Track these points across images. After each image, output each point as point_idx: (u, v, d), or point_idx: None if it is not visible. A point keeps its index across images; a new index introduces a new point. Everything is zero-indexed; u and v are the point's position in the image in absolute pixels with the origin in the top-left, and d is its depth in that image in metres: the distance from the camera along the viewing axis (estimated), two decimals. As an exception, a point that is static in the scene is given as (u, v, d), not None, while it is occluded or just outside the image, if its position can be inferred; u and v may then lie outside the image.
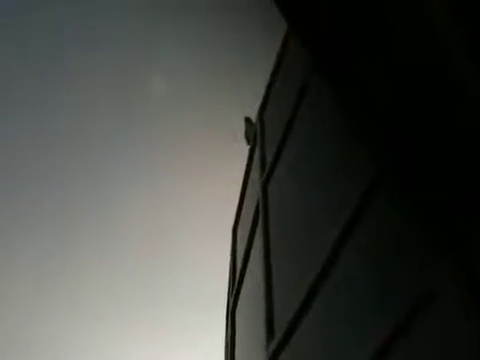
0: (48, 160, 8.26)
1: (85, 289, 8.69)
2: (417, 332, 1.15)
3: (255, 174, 3.38)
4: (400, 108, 1.47)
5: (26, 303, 8.61)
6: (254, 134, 3.80)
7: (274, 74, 3.36)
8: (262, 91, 3.70)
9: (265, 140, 3.26)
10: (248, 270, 3.04)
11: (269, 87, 3.46)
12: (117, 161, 8.34)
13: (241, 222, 3.90)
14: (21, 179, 8.25)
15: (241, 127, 4.87)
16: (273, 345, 2.03)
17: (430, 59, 1.35)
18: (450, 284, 1.09)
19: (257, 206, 2.96)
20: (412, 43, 1.45)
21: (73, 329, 8.73)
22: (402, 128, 1.43)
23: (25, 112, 7.88)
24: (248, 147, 4.13)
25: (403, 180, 1.36)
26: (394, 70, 1.56)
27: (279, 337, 1.98)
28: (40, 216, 8.44)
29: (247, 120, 4.82)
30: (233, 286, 3.38)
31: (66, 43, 7.40)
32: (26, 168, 8.22)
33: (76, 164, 8.32)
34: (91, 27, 7.33)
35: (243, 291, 3.09)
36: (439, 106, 1.32)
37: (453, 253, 1.13)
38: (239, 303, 3.17)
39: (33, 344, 8.66)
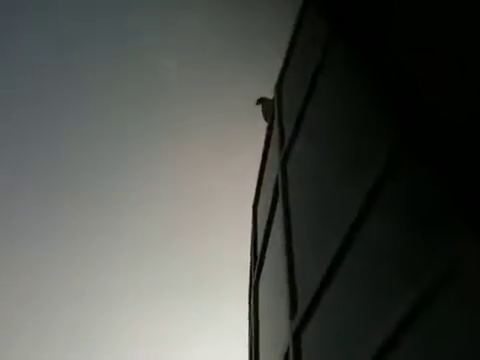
0: (65, 145, 8.33)
1: (101, 275, 8.82)
2: (442, 303, 1.13)
3: (273, 150, 3.35)
4: (421, 71, 1.42)
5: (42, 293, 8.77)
6: (272, 109, 3.76)
7: (291, 47, 3.29)
8: (276, 71, 3.64)
9: (283, 114, 3.21)
10: (269, 245, 3.03)
11: (286, 60, 3.40)
12: (133, 147, 8.37)
13: (261, 199, 3.89)
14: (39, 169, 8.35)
15: (257, 107, 4.81)
16: (296, 320, 2.02)
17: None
18: (477, 256, 1.06)
19: (276, 182, 2.93)
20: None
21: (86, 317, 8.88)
22: (424, 93, 1.38)
23: (35, 104, 7.92)
24: (263, 128, 4.10)
25: (426, 146, 1.32)
26: (417, 33, 1.50)
27: (302, 312, 1.96)
28: (58, 203, 8.55)
29: (262, 100, 4.77)
30: (255, 262, 3.38)
31: (79, 26, 7.39)
32: (50, 154, 8.30)
33: (98, 149, 8.38)
34: (104, 12, 7.29)
35: (265, 266, 3.09)
36: (464, 70, 1.26)
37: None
38: (261, 278, 3.17)
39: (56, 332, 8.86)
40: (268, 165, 3.68)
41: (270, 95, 4.07)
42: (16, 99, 7.92)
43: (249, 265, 3.71)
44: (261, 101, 4.77)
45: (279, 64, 3.58)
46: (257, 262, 3.27)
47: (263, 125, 4.22)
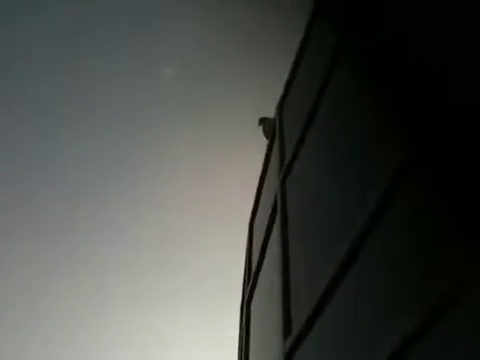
0: (75, 152, 8.38)
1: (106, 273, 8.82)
2: (442, 332, 1.09)
3: (273, 169, 3.34)
4: (433, 84, 1.40)
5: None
6: (273, 128, 3.75)
7: (296, 64, 3.30)
8: (277, 84, 3.65)
9: (284, 133, 3.21)
10: (264, 264, 3.00)
11: (290, 77, 3.40)
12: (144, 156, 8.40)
13: (257, 217, 3.87)
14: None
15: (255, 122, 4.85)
16: (290, 340, 1.98)
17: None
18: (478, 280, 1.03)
19: (275, 201, 2.91)
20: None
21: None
22: (433, 110, 1.36)
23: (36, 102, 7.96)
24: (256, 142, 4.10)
25: (432, 166, 1.29)
26: (429, 42, 1.49)
27: (296, 332, 1.93)
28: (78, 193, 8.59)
29: (263, 120, 4.80)
30: (249, 279, 3.34)
31: (83, 27, 7.45)
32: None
33: (102, 147, 8.41)
34: (107, 18, 7.35)
35: (259, 285, 3.05)
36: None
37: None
38: (254, 297, 3.13)
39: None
40: (266, 184, 3.67)
41: (271, 114, 4.08)
42: (18, 100, 7.99)
43: (242, 282, 3.67)
44: (263, 121, 4.80)
45: (281, 80, 3.58)
46: (251, 280, 3.23)
47: (264, 142, 4.22)
